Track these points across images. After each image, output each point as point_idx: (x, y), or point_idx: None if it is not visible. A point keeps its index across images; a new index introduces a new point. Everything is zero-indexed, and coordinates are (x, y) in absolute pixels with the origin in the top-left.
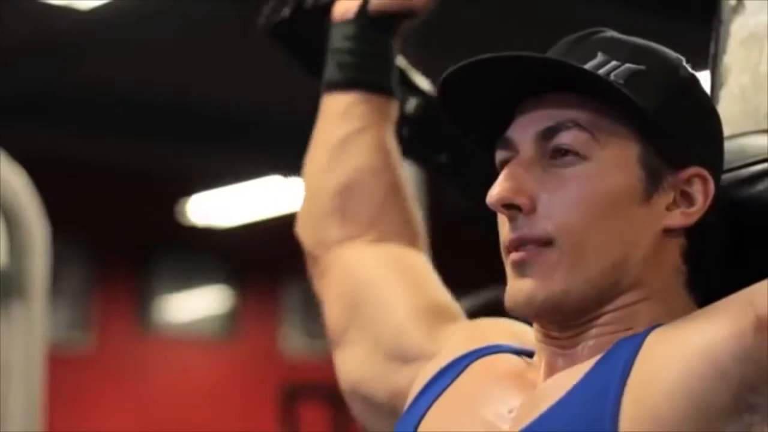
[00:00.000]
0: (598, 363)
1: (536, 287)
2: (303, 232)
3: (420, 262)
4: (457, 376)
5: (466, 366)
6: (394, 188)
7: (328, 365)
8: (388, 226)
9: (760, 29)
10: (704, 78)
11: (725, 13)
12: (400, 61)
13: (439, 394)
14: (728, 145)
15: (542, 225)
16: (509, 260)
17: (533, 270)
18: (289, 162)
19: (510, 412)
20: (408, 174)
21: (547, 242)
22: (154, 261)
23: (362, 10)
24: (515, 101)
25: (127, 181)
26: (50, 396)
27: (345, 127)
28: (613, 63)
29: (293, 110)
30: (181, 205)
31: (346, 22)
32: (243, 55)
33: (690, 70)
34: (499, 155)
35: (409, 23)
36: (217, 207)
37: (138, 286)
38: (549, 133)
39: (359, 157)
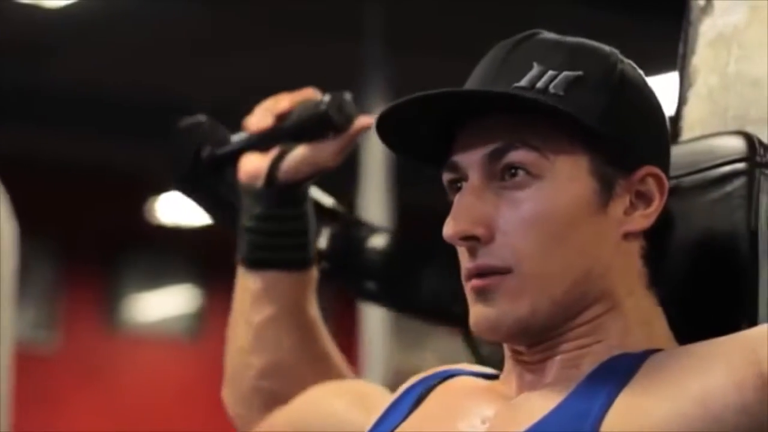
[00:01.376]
0: (585, 380)
1: (500, 314)
2: (227, 401)
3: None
4: (425, 396)
5: (431, 388)
6: (319, 363)
7: None
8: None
9: (729, 30)
10: (673, 79)
11: (694, 14)
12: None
13: (404, 418)
14: (697, 146)
15: (502, 254)
16: (469, 286)
17: (495, 296)
18: None
19: (483, 422)
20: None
21: (507, 271)
22: (122, 260)
23: (270, 180)
24: (456, 124)
25: (94, 179)
26: (16, 395)
27: (263, 312)
28: (550, 73)
29: None
30: (149, 204)
31: (256, 196)
32: (216, 53)
33: (626, 60)
34: (446, 176)
35: (319, 176)
36: (185, 206)
37: (105, 284)
38: (497, 154)
39: (279, 341)
